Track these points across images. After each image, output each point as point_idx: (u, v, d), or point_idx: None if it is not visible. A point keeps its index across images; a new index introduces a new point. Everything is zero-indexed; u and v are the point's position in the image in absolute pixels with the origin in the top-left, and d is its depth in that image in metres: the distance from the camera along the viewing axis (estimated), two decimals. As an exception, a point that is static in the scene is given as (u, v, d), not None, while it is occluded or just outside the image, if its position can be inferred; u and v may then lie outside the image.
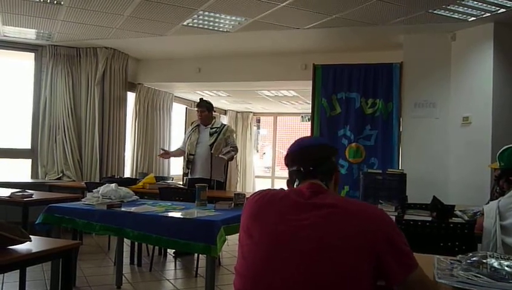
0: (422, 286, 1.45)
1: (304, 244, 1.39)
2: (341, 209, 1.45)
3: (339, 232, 1.39)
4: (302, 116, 12.22)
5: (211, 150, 5.40)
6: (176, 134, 8.83)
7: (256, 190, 1.81)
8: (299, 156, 1.66)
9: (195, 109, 5.75)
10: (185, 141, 5.69)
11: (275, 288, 1.39)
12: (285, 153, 1.75)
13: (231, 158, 5.61)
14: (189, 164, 5.54)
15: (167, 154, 6.05)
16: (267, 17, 5.24)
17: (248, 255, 1.48)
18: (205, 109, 5.61)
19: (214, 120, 5.67)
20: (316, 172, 1.60)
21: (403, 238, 1.46)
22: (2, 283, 4.10)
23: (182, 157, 5.83)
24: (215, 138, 5.46)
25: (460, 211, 3.30)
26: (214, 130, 5.53)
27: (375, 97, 5.97)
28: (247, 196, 3.87)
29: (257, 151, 13.84)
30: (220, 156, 5.39)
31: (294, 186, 1.62)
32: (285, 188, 1.68)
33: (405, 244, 1.45)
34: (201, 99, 5.76)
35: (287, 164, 1.70)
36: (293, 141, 1.76)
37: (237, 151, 5.81)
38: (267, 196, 1.58)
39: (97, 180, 6.50)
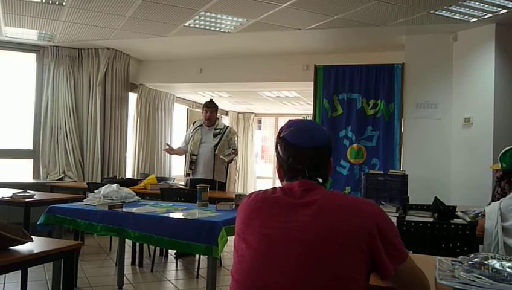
0: (413, 276, 1.46)
1: (298, 246, 1.38)
2: (331, 205, 1.43)
3: (330, 230, 1.37)
4: (304, 117, 12.22)
5: (215, 151, 5.41)
6: (178, 135, 8.83)
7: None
8: (309, 157, 1.53)
9: (203, 108, 5.65)
10: (187, 140, 5.68)
11: None
12: (285, 134, 1.56)
13: (231, 161, 5.61)
14: (191, 164, 5.53)
15: (171, 150, 5.93)
16: (269, 18, 5.24)
17: (243, 260, 1.47)
18: (214, 110, 5.62)
19: (217, 121, 5.68)
20: (317, 175, 1.55)
21: (395, 229, 1.46)
22: (4, 283, 4.10)
23: (183, 156, 5.82)
24: (219, 139, 5.46)
25: (461, 212, 3.30)
26: (217, 131, 5.53)
27: (377, 98, 5.97)
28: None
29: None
30: (221, 157, 5.39)
31: (286, 180, 1.55)
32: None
33: (396, 236, 1.44)
34: (211, 100, 5.77)
35: (287, 155, 1.54)
36: (298, 126, 1.59)
37: (237, 154, 5.81)
38: (259, 199, 1.55)
39: (99, 181, 6.51)
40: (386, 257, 1.39)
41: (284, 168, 1.57)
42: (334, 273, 1.34)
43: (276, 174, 1.65)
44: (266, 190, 1.58)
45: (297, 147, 1.54)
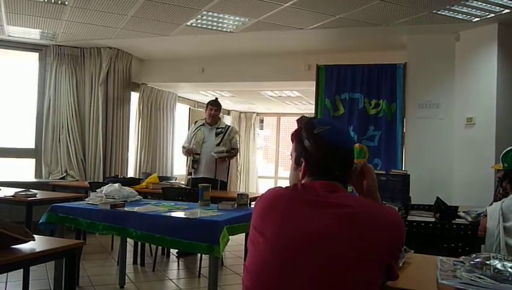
0: None
1: (319, 249, 1.35)
2: (358, 210, 1.40)
3: (353, 236, 1.35)
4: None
5: None
6: (180, 134, 8.83)
7: (260, 190, 1.73)
8: (345, 158, 1.53)
9: (208, 106, 5.67)
10: (190, 139, 5.68)
11: (283, 289, 1.37)
12: (320, 131, 1.51)
13: (224, 159, 5.51)
14: (194, 163, 5.54)
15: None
16: (271, 18, 5.24)
17: (258, 254, 1.45)
18: (218, 108, 5.66)
19: (219, 120, 5.70)
20: (345, 178, 1.55)
21: None
22: (6, 282, 4.11)
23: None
24: (221, 138, 5.49)
25: (463, 212, 3.29)
26: (219, 130, 5.56)
27: (379, 98, 5.97)
28: (250, 196, 3.89)
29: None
30: (212, 154, 5.38)
31: (309, 177, 1.52)
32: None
33: None
34: (216, 98, 5.81)
35: (320, 151, 1.50)
36: (334, 126, 1.55)
37: (236, 153, 5.81)
38: (279, 194, 1.53)
39: (100, 180, 6.51)
40: (395, 262, 1.46)
41: (311, 164, 1.52)
42: (356, 281, 1.33)
43: (295, 167, 1.59)
44: (286, 187, 1.56)
45: (338, 147, 1.51)
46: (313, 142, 1.51)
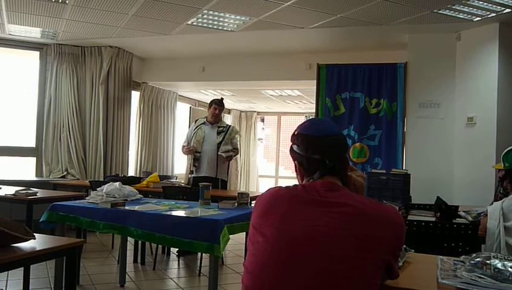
0: None
1: (319, 249, 1.35)
2: (358, 209, 1.40)
3: (354, 235, 1.35)
4: (306, 116, 12.18)
5: (219, 148, 5.43)
6: (180, 133, 8.83)
7: (261, 189, 1.74)
8: (325, 145, 1.53)
9: (212, 105, 5.68)
10: (189, 138, 5.69)
11: (282, 288, 1.37)
12: (300, 130, 1.60)
13: (230, 159, 5.60)
14: (195, 161, 5.54)
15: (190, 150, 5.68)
16: (272, 17, 5.24)
17: (258, 253, 1.45)
18: (222, 108, 5.71)
19: (220, 119, 5.72)
20: (340, 168, 1.53)
21: None
22: (7, 280, 4.11)
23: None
24: (222, 137, 5.50)
25: (464, 211, 3.29)
26: (221, 129, 5.57)
27: (380, 97, 5.97)
28: (250, 195, 3.89)
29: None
30: (219, 153, 5.40)
31: (312, 178, 1.53)
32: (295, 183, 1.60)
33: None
34: (222, 98, 5.83)
35: (305, 148, 1.55)
36: (311, 120, 1.64)
37: (237, 153, 5.83)
38: (278, 194, 1.53)
39: (101, 179, 6.52)
40: (395, 261, 1.46)
41: (304, 164, 1.56)
42: (356, 280, 1.33)
43: (295, 174, 1.63)
44: (286, 186, 1.56)
45: (313, 136, 1.55)
46: (297, 143, 1.58)
